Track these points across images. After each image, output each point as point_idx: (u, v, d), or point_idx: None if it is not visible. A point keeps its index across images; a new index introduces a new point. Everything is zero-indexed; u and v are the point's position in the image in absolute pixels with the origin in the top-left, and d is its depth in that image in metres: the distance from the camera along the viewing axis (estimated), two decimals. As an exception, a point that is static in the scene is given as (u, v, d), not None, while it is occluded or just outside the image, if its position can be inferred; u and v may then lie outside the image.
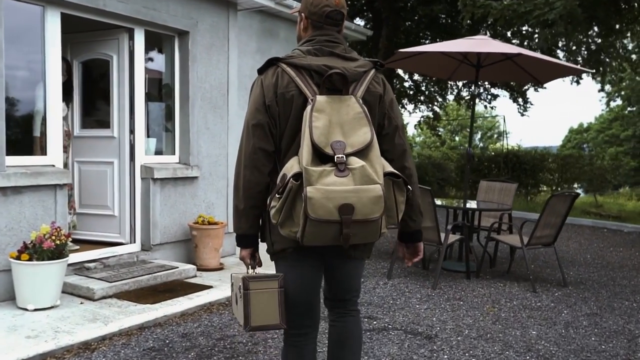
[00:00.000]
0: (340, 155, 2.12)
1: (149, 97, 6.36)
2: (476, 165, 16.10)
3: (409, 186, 2.28)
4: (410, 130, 33.82)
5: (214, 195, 6.74)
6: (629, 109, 35.87)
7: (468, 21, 11.91)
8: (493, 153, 16.71)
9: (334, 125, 2.19)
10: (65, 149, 5.78)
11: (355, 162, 2.13)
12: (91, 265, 5.52)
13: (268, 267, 2.55)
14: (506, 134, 19.48)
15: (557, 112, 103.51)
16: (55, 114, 5.27)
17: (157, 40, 6.44)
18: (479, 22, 13.37)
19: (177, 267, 5.77)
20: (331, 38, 2.40)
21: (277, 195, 2.15)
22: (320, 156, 2.15)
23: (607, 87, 35.83)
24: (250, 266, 2.47)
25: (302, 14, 2.46)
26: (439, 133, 25.26)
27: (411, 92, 19.60)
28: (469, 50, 6.24)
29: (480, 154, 16.98)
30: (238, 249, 2.97)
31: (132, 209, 6.07)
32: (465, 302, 5.45)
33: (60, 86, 5.31)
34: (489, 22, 10.55)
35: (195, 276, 5.89)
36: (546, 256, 7.93)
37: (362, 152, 2.18)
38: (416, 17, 16.89)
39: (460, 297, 5.61)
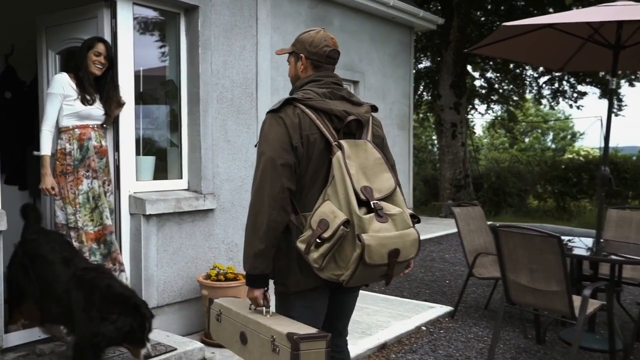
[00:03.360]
0: (376, 202, 2.18)
1: (144, 100, 4.43)
2: (562, 172, 13.54)
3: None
4: (479, 132, 31.02)
5: (237, 233, 4.74)
6: None
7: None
8: (582, 159, 14.02)
9: (358, 171, 2.22)
10: (95, 173, 3.80)
11: (392, 208, 2.21)
12: (46, 348, 3.64)
13: None
14: (604, 137, 16.66)
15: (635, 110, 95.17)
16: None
17: (156, 19, 4.51)
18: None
19: (175, 349, 3.79)
20: (335, 80, 2.44)
21: (317, 241, 2.15)
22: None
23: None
24: (264, 307, 2.36)
25: (301, 55, 2.46)
26: (515, 135, 22.54)
27: (483, 92, 17.14)
28: (609, 19, 3.99)
29: (567, 160, 14.33)
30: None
31: (117, 258, 4.15)
32: None
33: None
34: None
35: (204, 359, 3.91)
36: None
37: (390, 197, 2.24)
38: (489, 6, 14.49)
39: (614, 412, 3.38)
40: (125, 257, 4.11)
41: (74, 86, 3.75)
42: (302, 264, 2.28)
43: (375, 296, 5.49)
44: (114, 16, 4.04)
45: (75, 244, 3.71)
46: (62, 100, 3.72)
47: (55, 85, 3.74)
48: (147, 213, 4.03)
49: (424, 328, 4.71)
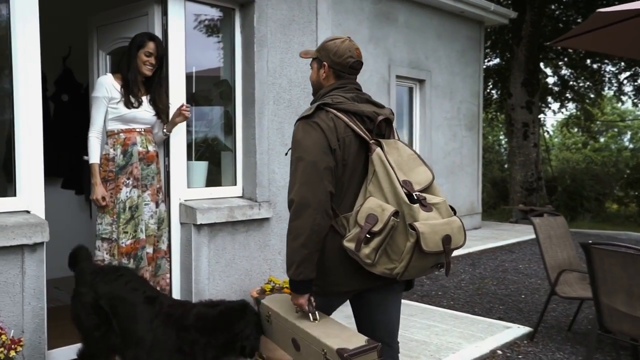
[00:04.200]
0: (418, 193, 2.21)
1: (196, 101, 4.17)
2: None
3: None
4: (550, 131, 29.48)
5: (295, 243, 4.41)
6: None
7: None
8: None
9: (396, 166, 2.27)
10: (137, 181, 3.52)
11: (433, 198, 2.24)
12: (90, 366, 3.41)
13: None
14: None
15: None
16: (29, 128, 3.20)
17: (209, 16, 4.23)
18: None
19: (225, 371, 3.49)
20: (357, 86, 2.47)
21: (367, 236, 2.16)
22: None
23: None
24: (310, 312, 2.31)
25: (324, 63, 2.45)
26: (594, 135, 21.26)
27: (556, 89, 16.17)
28: None
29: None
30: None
31: (167, 270, 3.90)
32: None
33: (38, 84, 3.23)
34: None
35: (257, 381, 3.59)
36: None
37: (428, 189, 2.27)
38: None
39: None
40: (175, 269, 3.85)
41: (118, 88, 3.51)
42: (338, 267, 2.29)
43: (443, 312, 5.02)
44: (164, 13, 3.79)
45: (106, 256, 3.47)
46: (107, 104, 3.49)
47: (99, 88, 3.51)
48: (198, 223, 3.75)
49: (499, 352, 4.21)
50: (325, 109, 2.31)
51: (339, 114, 2.30)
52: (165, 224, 3.75)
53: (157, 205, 3.66)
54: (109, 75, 3.57)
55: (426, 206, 2.19)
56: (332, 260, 2.29)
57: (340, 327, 2.27)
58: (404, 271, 2.16)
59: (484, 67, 15.03)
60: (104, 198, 3.45)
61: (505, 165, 20.25)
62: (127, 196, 3.50)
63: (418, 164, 2.33)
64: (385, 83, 7.96)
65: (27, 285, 3.06)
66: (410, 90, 8.75)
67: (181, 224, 3.84)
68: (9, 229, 2.95)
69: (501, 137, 25.00)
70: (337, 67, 2.42)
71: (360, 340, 2.17)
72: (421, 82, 8.61)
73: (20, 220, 3.04)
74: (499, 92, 16.00)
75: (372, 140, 2.31)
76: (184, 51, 3.87)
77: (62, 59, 5.40)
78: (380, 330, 2.47)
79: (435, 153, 8.84)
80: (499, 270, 6.99)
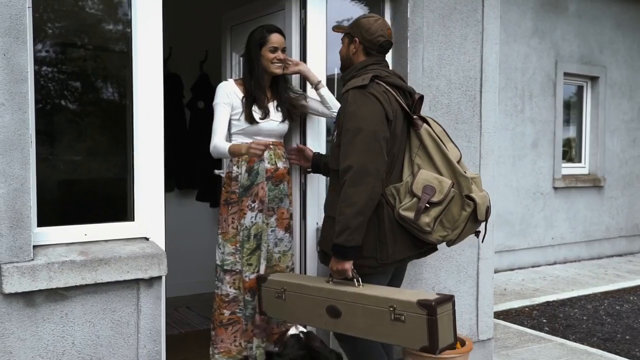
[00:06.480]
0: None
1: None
2: None
3: None
4: None
5: (452, 277, 3.62)
6: None
7: None
8: None
9: None
10: (262, 204, 2.96)
11: (470, 173, 2.43)
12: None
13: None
14: None
15: None
16: (150, 142, 2.74)
17: (354, 8, 3.61)
18: None
19: None
20: (386, 64, 2.61)
21: (427, 205, 2.26)
22: None
23: None
24: (355, 278, 2.35)
25: (356, 39, 2.53)
26: None
27: None
28: None
29: None
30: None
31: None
32: None
33: (160, 92, 2.76)
34: None
35: None
36: None
37: (460, 164, 2.43)
38: None
39: None
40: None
41: (240, 96, 2.98)
42: (396, 236, 2.36)
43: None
44: (303, 7, 3.20)
45: (230, 290, 2.96)
46: (230, 110, 2.97)
47: (219, 93, 2.99)
48: (337, 252, 3.12)
49: None
50: (376, 81, 2.37)
51: (388, 87, 2.38)
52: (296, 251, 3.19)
53: (289, 232, 3.10)
54: (230, 81, 3.06)
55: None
56: (389, 230, 2.35)
57: (391, 287, 2.41)
58: (457, 238, 2.39)
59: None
60: (257, 142, 2.75)
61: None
62: (252, 222, 2.95)
63: (448, 139, 2.47)
64: (551, 81, 6.88)
65: (142, 325, 2.62)
66: (580, 89, 7.55)
67: (318, 251, 3.24)
68: (122, 260, 2.52)
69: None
70: (367, 44, 2.50)
71: (429, 293, 2.21)
72: (594, 79, 7.39)
73: (136, 250, 2.60)
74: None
75: (416, 116, 2.43)
76: (325, 50, 3.26)
77: (199, 63, 5.08)
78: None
79: (609, 161, 7.54)
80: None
